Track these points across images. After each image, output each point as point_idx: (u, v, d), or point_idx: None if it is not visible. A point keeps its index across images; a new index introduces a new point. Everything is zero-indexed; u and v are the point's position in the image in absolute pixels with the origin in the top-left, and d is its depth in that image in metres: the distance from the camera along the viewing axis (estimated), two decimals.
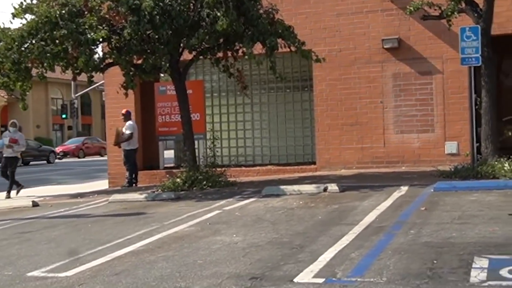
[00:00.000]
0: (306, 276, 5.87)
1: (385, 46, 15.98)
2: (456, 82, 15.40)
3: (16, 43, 13.35)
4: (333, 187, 11.92)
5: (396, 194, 10.85)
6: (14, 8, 13.69)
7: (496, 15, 13.44)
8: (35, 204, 13.65)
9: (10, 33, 13.46)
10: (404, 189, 11.45)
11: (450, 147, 15.43)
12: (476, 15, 13.03)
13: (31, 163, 38.63)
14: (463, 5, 13.14)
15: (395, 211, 9.24)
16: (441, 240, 6.96)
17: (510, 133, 13.41)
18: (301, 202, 10.77)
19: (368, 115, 16.25)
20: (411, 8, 13.54)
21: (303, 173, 16.17)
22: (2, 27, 13.71)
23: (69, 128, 58.68)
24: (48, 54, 13.22)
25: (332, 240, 7.37)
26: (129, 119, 16.84)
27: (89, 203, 13.37)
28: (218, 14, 12.49)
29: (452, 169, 12.86)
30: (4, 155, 16.78)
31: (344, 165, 16.30)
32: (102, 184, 18.77)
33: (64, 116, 51.65)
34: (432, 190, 10.96)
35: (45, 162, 40.21)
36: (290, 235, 7.92)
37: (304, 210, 10.00)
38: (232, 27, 12.68)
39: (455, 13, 13.07)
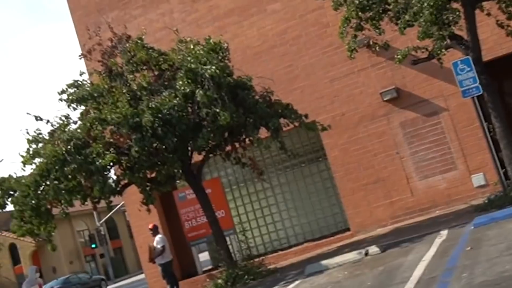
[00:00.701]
0: None
1: (385, 99, 16.09)
2: (464, 115, 15.37)
3: (32, 189, 13.53)
4: (373, 249, 11.72)
5: (437, 241, 10.63)
6: (22, 156, 13.92)
7: (483, 42, 13.58)
8: None
9: (23, 180, 13.67)
10: (444, 233, 11.24)
11: (477, 179, 15.20)
12: (463, 47, 13.16)
13: None
14: (448, 41, 13.29)
15: (442, 257, 9.03)
16: (496, 276, 6.76)
17: None
18: (346, 273, 10.55)
19: (388, 169, 16.16)
20: (400, 56, 13.67)
21: (340, 242, 15.92)
22: (15, 177, 13.92)
23: (101, 256, 58.53)
24: (63, 191, 13.37)
25: None
26: (158, 232, 16.75)
27: None
28: (217, 110, 12.67)
29: (486, 201, 12.65)
30: None
31: (378, 224, 16.06)
32: None
33: (93, 245, 51.62)
34: (472, 227, 10.74)
35: None
36: None
37: (351, 280, 9.79)
38: (232, 119, 12.84)
39: (443, 50, 13.19)
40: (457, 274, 7.53)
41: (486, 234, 9.69)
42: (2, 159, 74.85)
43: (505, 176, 12.90)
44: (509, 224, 9.87)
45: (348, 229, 16.75)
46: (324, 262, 12.18)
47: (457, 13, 12.69)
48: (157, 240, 16.54)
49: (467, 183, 15.36)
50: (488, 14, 13.56)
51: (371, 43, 14.86)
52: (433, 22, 12.51)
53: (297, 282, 11.47)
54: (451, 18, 12.66)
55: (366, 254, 11.66)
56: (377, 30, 13.73)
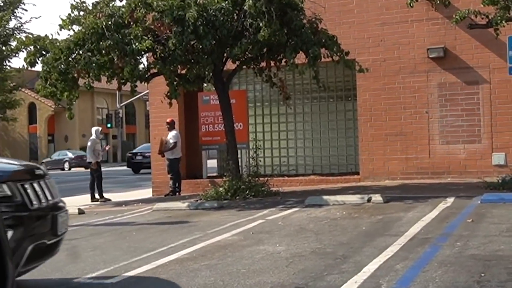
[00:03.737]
0: (350, 287, 5.81)
1: (430, 56, 15.78)
2: (504, 92, 15.10)
3: (64, 54, 13.62)
4: (377, 197, 11.79)
5: (442, 206, 10.66)
6: (62, 20, 13.98)
7: None
8: (81, 212, 13.86)
9: (58, 44, 13.76)
10: (450, 200, 11.26)
11: (498, 158, 15.11)
12: None
13: None
14: None
15: (441, 222, 9.08)
16: (488, 253, 6.81)
17: None
18: (344, 213, 10.67)
19: (412, 125, 16.05)
20: (457, 17, 13.33)
21: (346, 184, 16.04)
22: (50, 38, 14.00)
23: (114, 137, 59.60)
24: (94, 65, 13.43)
25: (377, 251, 7.27)
26: (173, 128, 17.01)
27: (134, 211, 13.52)
28: (261, 24, 12.51)
29: (500, 181, 12.58)
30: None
31: (388, 175, 16.11)
32: (146, 192, 18.97)
33: (109, 125, 52.48)
34: (479, 202, 10.74)
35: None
36: (334, 246, 7.85)
37: (348, 220, 9.91)
38: (274, 36, 12.68)
39: (503, 21, 12.80)
40: (451, 241, 7.59)
41: (491, 211, 9.70)
42: (40, 16, 74.92)
43: None
44: None
45: (357, 173, 16.83)
46: (326, 197, 12.31)
47: None
48: (172, 135, 16.86)
49: (486, 159, 15.27)
50: None
51: None
52: None
53: (295, 209, 11.63)
54: None
55: (369, 200, 11.75)
56: None
